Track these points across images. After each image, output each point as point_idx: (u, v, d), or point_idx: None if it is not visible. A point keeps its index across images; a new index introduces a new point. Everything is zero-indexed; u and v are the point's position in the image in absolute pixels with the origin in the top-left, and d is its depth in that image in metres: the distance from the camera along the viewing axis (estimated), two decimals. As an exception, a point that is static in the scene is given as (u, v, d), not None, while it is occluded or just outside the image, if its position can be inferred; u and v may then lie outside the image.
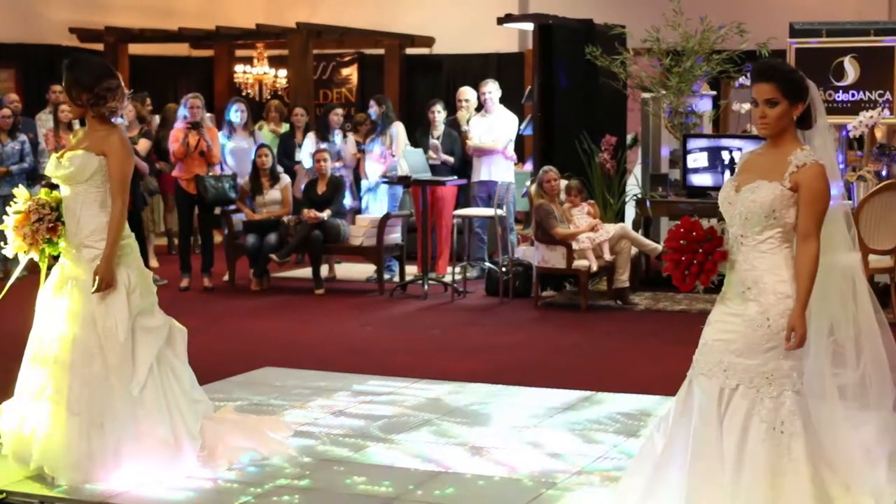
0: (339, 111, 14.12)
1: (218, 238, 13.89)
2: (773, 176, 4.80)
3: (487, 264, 13.16)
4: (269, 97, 19.68)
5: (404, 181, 12.98)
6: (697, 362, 4.95)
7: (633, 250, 11.92)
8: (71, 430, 6.08)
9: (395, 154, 13.47)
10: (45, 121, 14.86)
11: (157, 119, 15.38)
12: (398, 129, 13.77)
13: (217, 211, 13.10)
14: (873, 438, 5.11)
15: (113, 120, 6.33)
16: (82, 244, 6.23)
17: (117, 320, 6.20)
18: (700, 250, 4.83)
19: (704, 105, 13.12)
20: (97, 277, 6.15)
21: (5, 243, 6.43)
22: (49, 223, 6.27)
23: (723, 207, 4.95)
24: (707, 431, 4.81)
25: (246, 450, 6.57)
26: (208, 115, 14.01)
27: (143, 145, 13.69)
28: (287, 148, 14.40)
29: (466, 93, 14.21)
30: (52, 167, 6.32)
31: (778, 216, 4.79)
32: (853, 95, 12.07)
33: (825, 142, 4.98)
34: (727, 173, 11.71)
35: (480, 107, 13.89)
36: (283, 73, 19.82)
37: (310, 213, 12.76)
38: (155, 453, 6.20)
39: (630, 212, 13.22)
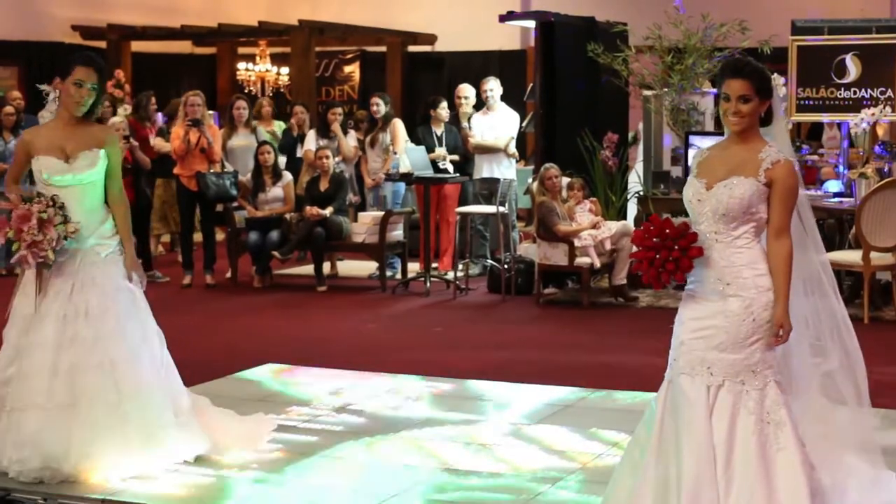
0: (338, 110, 14.10)
1: (220, 235, 13.91)
2: (746, 172, 4.84)
3: (490, 261, 13.17)
4: (271, 94, 19.71)
5: (406, 178, 12.99)
6: (677, 362, 4.95)
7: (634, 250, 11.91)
8: (90, 427, 6.11)
9: (396, 151, 13.49)
10: (47, 118, 14.87)
11: (159, 116, 15.39)
12: (398, 125, 13.79)
13: (219, 208, 13.13)
14: (851, 437, 5.14)
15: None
16: (95, 243, 6.25)
17: (133, 316, 6.31)
18: (676, 247, 4.85)
19: (706, 102, 13.12)
20: (133, 274, 6.32)
21: (13, 244, 6.19)
22: (61, 223, 6.20)
23: (690, 205, 4.96)
24: (696, 430, 4.81)
25: (236, 445, 6.61)
26: (210, 112, 14.02)
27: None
28: (288, 146, 14.40)
29: (465, 90, 14.21)
30: (60, 171, 6.20)
31: (754, 211, 4.84)
32: (855, 93, 12.07)
33: (786, 141, 5.05)
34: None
35: (481, 104, 13.90)
36: (285, 70, 19.85)
37: (312, 211, 12.78)
38: (163, 448, 6.28)
39: (632, 209, 13.23)
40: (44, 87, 6.55)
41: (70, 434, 6.09)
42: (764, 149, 4.88)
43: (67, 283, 6.20)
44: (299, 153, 14.18)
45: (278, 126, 15.29)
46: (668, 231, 4.87)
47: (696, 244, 4.86)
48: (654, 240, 4.89)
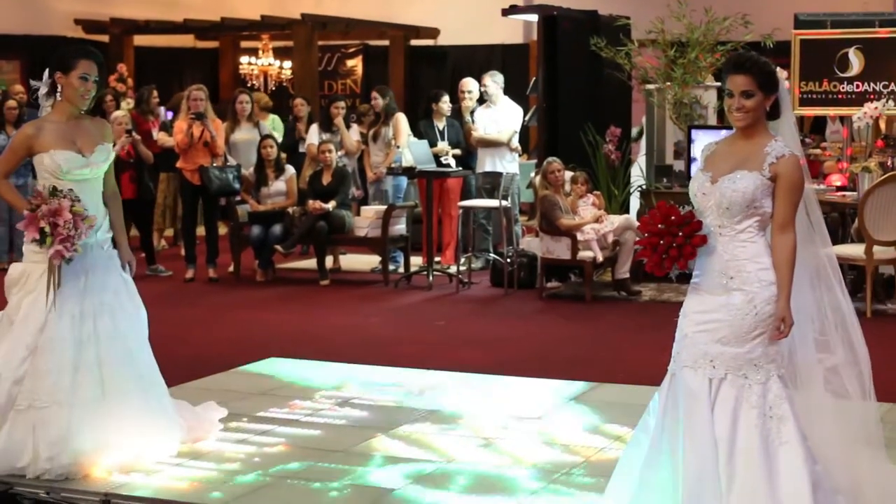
0: (341, 104, 14.12)
1: (223, 229, 13.92)
2: (751, 166, 4.85)
3: (492, 255, 13.17)
4: (273, 88, 19.74)
5: (409, 172, 12.99)
6: (679, 355, 4.97)
7: (637, 239, 11.91)
8: (119, 419, 6.16)
9: (398, 145, 13.48)
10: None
11: (162, 110, 15.40)
12: (400, 119, 13.78)
13: (222, 202, 13.14)
14: (855, 432, 5.14)
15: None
16: (101, 237, 6.27)
17: (135, 307, 6.41)
18: (679, 234, 4.85)
19: (709, 96, 13.12)
20: (130, 264, 6.43)
21: (44, 242, 6.01)
22: (84, 217, 6.09)
23: (696, 199, 4.97)
24: (698, 423, 4.83)
25: (189, 434, 6.69)
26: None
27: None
28: (289, 140, 14.41)
29: (469, 84, 14.20)
30: (79, 165, 6.15)
31: (758, 205, 4.84)
32: (858, 87, 12.06)
33: (793, 136, 5.04)
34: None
35: (483, 98, 13.89)
36: (288, 64, 19.85)
37: (315, 204, 12.78)
38: (179, 432, 6.49)
39: (635, 203, 13.23)
40: (37, 83, 6.40)
41: (101, 427, 6.12)
42: (770, 143, 4.88)
43: (79, 279, 6.17)
44: (301, 149, 14.19)
45: (271, 120, 15.27)
46: (672, 217, 4.89)
47: (701, 232, 4.87)
48: (659, 226, 4.90)
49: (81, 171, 6.17)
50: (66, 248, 5.98)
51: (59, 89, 6.21)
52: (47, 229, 5.97)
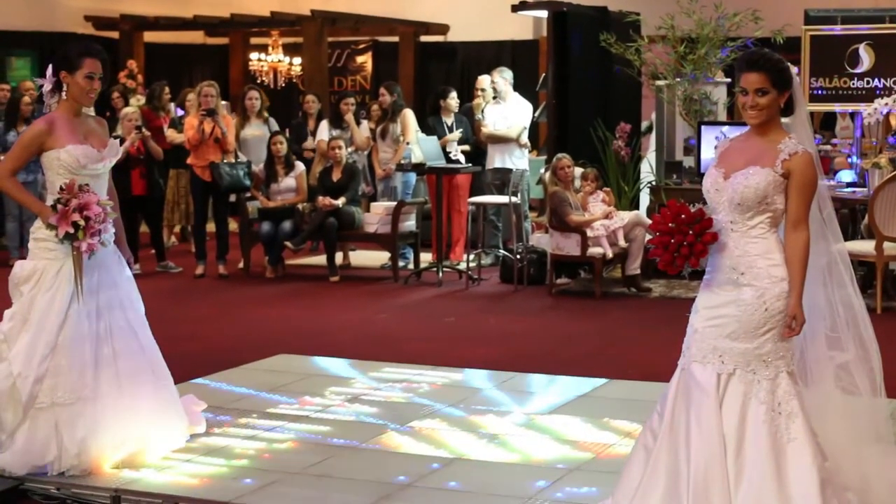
0: (351, 100, 14.12)
1: (233, 225, 13.94)
2: (764, 162, 4.86)
3: (502, 252, 13.17)
4: (283, 85, 19.75)
5: (418, 168, 12.99)
6: (689, 350, 4.98)
7: (648, 237, 11.92)
8: (135, 412, 6.20)
9: (408, 141, 13.49)
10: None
11: (172, 106, 15.41)
12: (408, 115, 13.78)
13: (232, 198, 13.15)
14: (865, 429, 5.14)
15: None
16: (109, 233, 6.29)
17: (139, 301, 6.44)
18: (690, 232, 4.86)
19: (719, 92, 13.11)
20: (129, 261, 6.42)
21: (76, 237, 5.98)
22: (108, 211, 6.14)
23: (708, 195, 4.99)
24: (706, 417, 4.83)
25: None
26: (223, 102, 14.03)
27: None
28: (298, 136, 14.43)
29: (483, 82, 14.23)
30: (96, 160, 6.16)
31: (770, 201, 4.84)
32: (868, 83, 12.03)
33: (807, 132, 5.04)
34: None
35: (493, 95, 13.90)
36: (297, 60, 19.86)
37: (324, 201, 12.79)
38: (185, 423, 6.55)
39: (644, 199, 13.22)
40: (40, 80, 6.39)
41: (120, 422, 6.14)
42: (784, 140, 4.88)
43: (92, 275, 6.17)
44: (311, 144, 14.21)
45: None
46: (683, 216, 4.90)
47: (711, 230, 4.87)
48: (670, 225, 4.91)
49: (96, 165, 6.19)
50: (96, 241, 6.01)
51: (64, 87, 6.21)
52: (81, 223, 5.95)
